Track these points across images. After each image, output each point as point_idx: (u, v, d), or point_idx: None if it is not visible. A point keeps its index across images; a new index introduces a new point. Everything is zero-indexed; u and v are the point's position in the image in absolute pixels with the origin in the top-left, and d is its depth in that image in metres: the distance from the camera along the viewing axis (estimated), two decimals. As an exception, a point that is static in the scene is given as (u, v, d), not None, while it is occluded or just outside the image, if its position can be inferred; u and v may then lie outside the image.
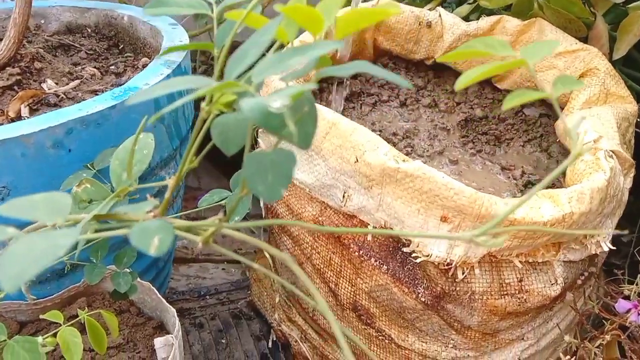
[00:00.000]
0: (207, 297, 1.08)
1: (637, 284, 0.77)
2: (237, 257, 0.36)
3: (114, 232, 0.28)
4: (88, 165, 0.64)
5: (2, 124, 0.72)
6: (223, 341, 0.99)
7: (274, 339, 1.00)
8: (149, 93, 0.24)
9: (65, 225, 0.24)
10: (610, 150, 0.72)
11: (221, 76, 0.28)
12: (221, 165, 1.31)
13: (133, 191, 0.38)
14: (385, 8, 0.23)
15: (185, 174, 0.94)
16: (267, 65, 0.23)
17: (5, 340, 0.50)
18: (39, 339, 0.49)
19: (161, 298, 0.71)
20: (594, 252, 0.72)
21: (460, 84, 0.28)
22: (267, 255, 0.93)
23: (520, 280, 0.69)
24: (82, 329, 0.59)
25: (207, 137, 0.32)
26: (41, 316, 0.54)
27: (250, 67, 0.28)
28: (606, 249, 0.71)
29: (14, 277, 0.18)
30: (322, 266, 0.79)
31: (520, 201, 0.29)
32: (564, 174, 0.80)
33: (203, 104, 0.29)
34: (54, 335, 0.50)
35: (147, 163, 0.39)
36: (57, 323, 0.56)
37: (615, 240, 1.10)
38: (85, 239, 0.24)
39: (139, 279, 0.70)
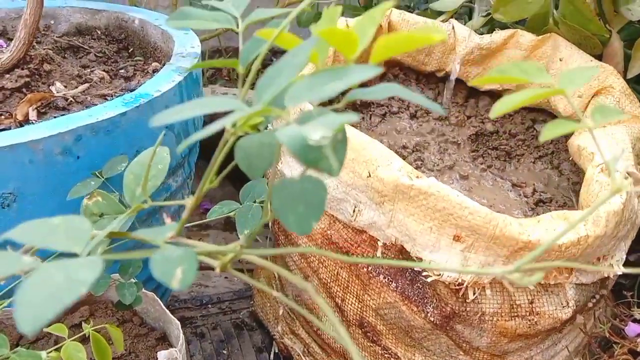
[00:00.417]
0: (209, 306, 1.07)
1: (648, 308, 0.76)
2: (242, 277, 0.35)
3: (136, 255, 0.26)
4: (96, 173, 0.63)
5: (10, 128, 0.71)
6: (224, 352, 0.97)
7: (276, 351, 0.98)
8: (178, 114, 0.23)
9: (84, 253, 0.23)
10: (626, 172, 0.71)
11: (250, 87, 0.26)
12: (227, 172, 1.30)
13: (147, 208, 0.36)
14: (429, 34, 0.22)
15: (192, 181, 0.92)
16: (302, 90, 0.22)
17: (8, 354, 0.48)
18: (43, 353, 0.47)
19: (165, 309, 0.70)
20: (606, 275, 0.71)
21: (496, 111, 0.27)
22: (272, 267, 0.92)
23: (532, 302, 0.68)
24: (83, 338, 0.58)
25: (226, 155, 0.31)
26: (45, 330, 0.53)
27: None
28: (619, 272, 0.69)
29: (33, 320, 0.17)
30: (328, 280, 0.78)
31: (559, 234, 0.28)
32: (578, 194, 0.79)
33: (227, 125, 0.28)
34: (58, 349, 0.49)
35: (162, 179, 0.38)
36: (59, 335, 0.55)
37: (625, 262, 1.09)
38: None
39: (143, 289, 0.69)
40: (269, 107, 0.22)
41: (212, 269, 0.94)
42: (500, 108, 0.28)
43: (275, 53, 1.55)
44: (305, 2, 0.30)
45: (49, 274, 0.20)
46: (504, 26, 1.02)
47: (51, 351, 0.48)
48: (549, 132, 0.27)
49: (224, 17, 0.32)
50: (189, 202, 0.32)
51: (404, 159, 0.89)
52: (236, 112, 0.23)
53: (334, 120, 0.19)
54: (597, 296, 0.75)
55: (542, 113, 1.01)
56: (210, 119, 0.85)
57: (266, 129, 0.31)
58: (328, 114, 0.23)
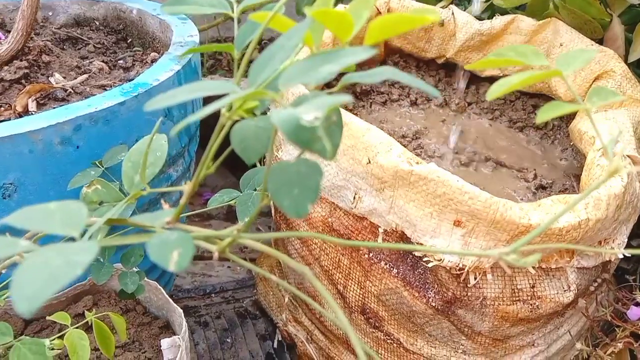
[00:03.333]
0: (213, 295, 1.07)
1: (650, 291, 0.76)
2: (244, 264, 0.35)
3: (132, 240, 0.27)
4: (96, 162, 0.63)
5: (9, 119, 0.71)
6: (228, 340, 0.98)
7: (280, 338, 0.99)
8: (172, 98, 0.23)
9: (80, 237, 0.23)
10: (627, 155, 0.71)
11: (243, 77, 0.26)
12: (227, 161, 1.30)
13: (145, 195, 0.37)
14: (423, 14, 0.22)
15: (193, 169, 0.92)
16: (296, 73, 0.22)
17: (11, 342, 0.49)
18: (46, 341, 0.48)
19: (168, 298, 0.71)
20: (607, 259, 0.71)
21: (493, 93, 0.27)
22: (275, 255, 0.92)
23: (533, 287, 0.68)
24: (87, 327, 0.58)
25: (222, 143, 0.31)
26: (48, 318, 0.53)
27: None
28: (621, 256, 0.69)
29: (29, 299, 0.17)
30: (330, 268, 0.78)
31: (555, 216, 0.28)
32: (578, 178, 0.79)
33: (223, 110, 0.28)
34: (61, 337, 0.49)
35: (160, 166, 0.38)
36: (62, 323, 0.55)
37: (626, 245, 1.09)
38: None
39: (146, 278, 0.69)
40: (263, 90, 0.22)
41: (219, 258, 0.94)
42: (497, 90, 0.28)
43: (273, 39, 1.54)
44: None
45: (47, 257, 0.20)
46: (503, 12, 1.01)
47: (54, 339, 0.49)
48: (544, 113, 0.27)
49: (219, 2, 0.32)
50: (187, 187, 0.32)
51: (404, 146, 0.89)
52: (231, 94, 0.23)
53: (326, 101, 0.19)
54: (599, 280, 0.75)
55: (542, 98, 1.01)
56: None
57: (264, 114, 0.31)
58: (321, 95, 0.23)
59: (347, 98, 0.19)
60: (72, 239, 0.25)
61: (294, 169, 0.24)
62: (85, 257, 0.20)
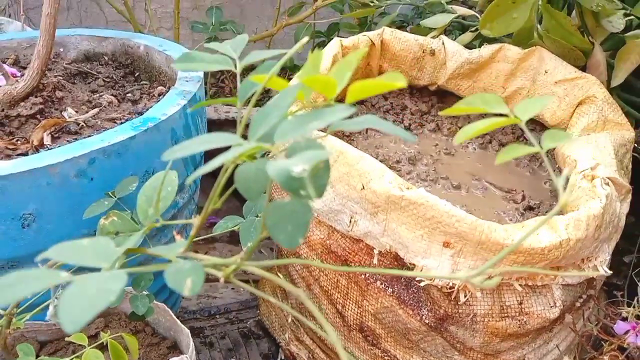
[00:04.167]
0: (217, 316, 1.11)
1: (634, 306, 0.80)
2: (247, 287, 0.40)
3: (154, 268, 0.31)
4: (109, 193, 0.68)
5: (27, 153, 0.76)
6: None
7: (283, 357, 1.02)
8: (189, 148, 0.27)
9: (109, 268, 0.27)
10: (607, 177, 0.75)
11: (243, 134, 0.31)
12: (230, 185, 1.35)
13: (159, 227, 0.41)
14: (392, 81, 0.26)
15: (198, 196, 0.97)
16: (288, 129, 0.27)
17: (33, 361, 0.53)
18: (66, 360, 0.52)
19: (175, 319, 0.75)
20: (591, 276, 0.75)
21: (459, 139, 0.31)
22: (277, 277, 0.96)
23: (520, 303, 0.72)
24: (100, 347, 0.62)
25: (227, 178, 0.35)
26: (67, 339, 0.58)
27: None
28: (603, 273, 0.73)
29: (74, 321, 0.22)
30: (329, 288, 0.82)
31: (521, 239, 0.33)
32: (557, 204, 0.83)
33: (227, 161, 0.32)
34: (79, 357, 0.53)
35: (172, 199, 0.43)
36: (75, 342, 0.59)
37: (616, 260, 1.13)
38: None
39: (154, 301, 0.73)
40: (260, 144, 0.27)
41: (219, 280, 0.98)
42: (464, 135, 0.33)
43: (269, 90, 1.60)
44: (295, 48, 0.35)
45: (84, 285, 0.24)
46: (492, 40, 1.07)
47: (73, 358, 0.53)
48: (504, 155, 0.32)
49: (224, 60, 0.37)
50: (196, 221, 0.36)
51: (398, 171, 0.93)
52: (234, 147, 0.27)
53: (313, 156, 0.24)
54: (585, 296, 0.79)
55: (531, 122, 1.06)
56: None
57: (263, 156, 0.35)
58: (314, 146, 0.28)
59: (325, 155, 0.24)
60: (97, 269, 0.30)
61: (288, 207, 0.28)
62: (117, 285, 0.24)
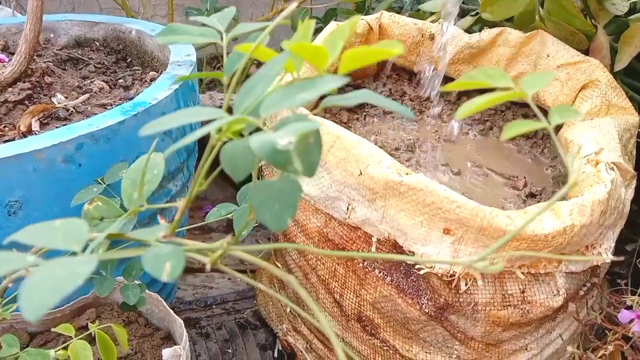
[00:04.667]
0: (214, 306, 1.09)
1: (639, 295, 0.78)
2: (241, 277, 0.38)
3: (129, 253, 0.29)
4: (98, 179, 0.66)
5: (14, 139, 0.74)
6: (229, 351, 1.00)
7: (280, 348, 1.01)
8: (167, 122, 0.25)
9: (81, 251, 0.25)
10: (612, 162, 0.73)
11: (229, 107, 0.29)
12: (226, 175, 1.33)
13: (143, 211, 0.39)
14: (388, 48, 0.24)
15: (191, 184, 0.95)
16: (275, 101, 0.25)
17: (17, 353, 0.51)
18: (51, 352, 0.50)
19: (169, 309, 0.73)
20: (596, 264, 0.73)
21: (461, 114, 0.29)
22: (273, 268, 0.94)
23: (523, 292, 0.70)
24: (90, 339, 0.60)
25: (216, 159, 0.33)
26: (53, 329, 0.56)
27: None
28: (607, 261, 0.71)
29: (35, 308, 0.20)
30: (327, 277, 0.80)
31: (526, 222, 0.31)
32: (565, 185, 0.81)
33: (212, 132, 0.30)
34: (66, 348, 0.52)
35: (157, 183, 0.41)
36: (66, 334, 0.57)
37: (619, 249, 1.11)
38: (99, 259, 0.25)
39: (147, 291, 0.71)
40: (245, 117, 0.25)
41: (217, 270, 0.97)
42: (466, 109, 0.31)
43: (260, 63, 1.58)
44: (283, 14, 0.33)
45: (52, 269, 0.22)
46: (492, 25, 1.04)
47: (59, 349, 0.51)
48: (510, 130, 0.29)
49: (210, 32, 0.35)
50: (181, 204, 0.34)
51: (397, 158, 0.91)
52: (217, 119, 0.25)
53: (298, 127, 0.22)
54: (588, 284, 0.77)
55: (532, 108, 1.03)
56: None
57: (251, 134, 0.33)
58: (303, 119, 0.26)
59: (315, 126, 0.22)
60: (75, 254, 0.28)
61: (276, 186, 0.26)
62: (85, 269, 0.22)
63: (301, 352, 0.96)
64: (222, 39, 0.35)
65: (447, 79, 1.06)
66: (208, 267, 0.33)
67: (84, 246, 0.25)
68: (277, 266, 0.96)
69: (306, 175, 0.25)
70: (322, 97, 0.32)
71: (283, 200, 0.25)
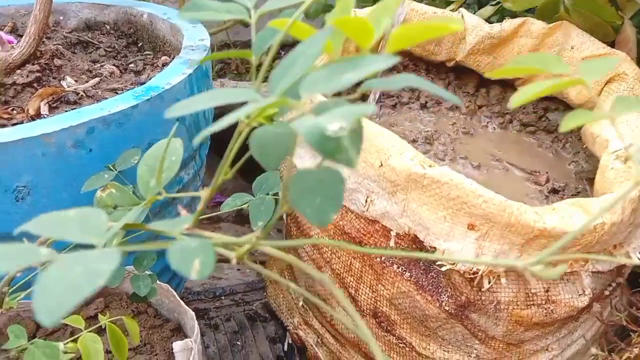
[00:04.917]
0: (222, 297, 1.07)
1: (665, 296, 0.75)
2: (257, 268, 0.35)
3: (152, 246, 0.27)
4: (109, 165, 0.64)
5: (22, 122, 0.71)
6: (238, 343, 0.98)
7: (290, 341, 0.98)
8: (192, 105, 0.23)
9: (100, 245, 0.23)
10: (642, 159, 0.70)
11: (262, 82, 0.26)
12: (234, 163, 1.30)
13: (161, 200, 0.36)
14: (446, 23, 0.21)
15: (203, 173, 0.92)
16: (318, 81, 0.22)
17: (25, 344, 0.49)
18: (60, 344, 0.48)
19: (179, 300, 0.71)
20: (622, 263, 0.70)
21: (516, 101, 0.26)
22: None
23: (547, 291, 0.67)
24: (99, 329, 0.58)
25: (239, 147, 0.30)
26: (62, 321, 0.54)
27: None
28: (636, 261, 0.69)
29: (51, 311, 0.17)
30: (341, 271, 0.78)
31: (587, 222, 0.28)
32: (591, 182, 0.78)
33: (242, 117, 0.28)
34: (75, 341, 0.49)
35: (176, 170, 0.38)
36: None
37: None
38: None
39: (157, 281, 0.69)
40: (284, 98, 0.22)
41: (226, 261, 0.95)
42: (520, 98, 0.28)
43: (284, 46, 1.54)
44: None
45: (68, 266, 0.20)
46: (513, 15, 1.01)
47: (68, 342, 0.49)
48: (569, 122, 0.27)
49: (237, 9, 0.32)
50: (204, 193, 0.32)
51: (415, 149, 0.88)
52: (251, 103, 0.22)
53: (352, 111, 0.19)
54: (614, 284, 0.75)
55: (554, 101, 1.00)
56: (219, 112, 0.85)
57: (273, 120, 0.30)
58: (344, 104, 0.23)
59: (372, 108, 0.19)
60: (91, 246, 0.25)
61: (315, 177, 0.24)
62: (107, 266, 0.19)
63: (312, 346, 0.94)
64: (250, 16, 0.32)
65: (465, 70, 1.03)
66: (234, 261, 0.30)
67: (105, 239, 0.22)
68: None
69: (349, 166, 0.23)
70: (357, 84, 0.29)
71: (324, 193, 0.22)
